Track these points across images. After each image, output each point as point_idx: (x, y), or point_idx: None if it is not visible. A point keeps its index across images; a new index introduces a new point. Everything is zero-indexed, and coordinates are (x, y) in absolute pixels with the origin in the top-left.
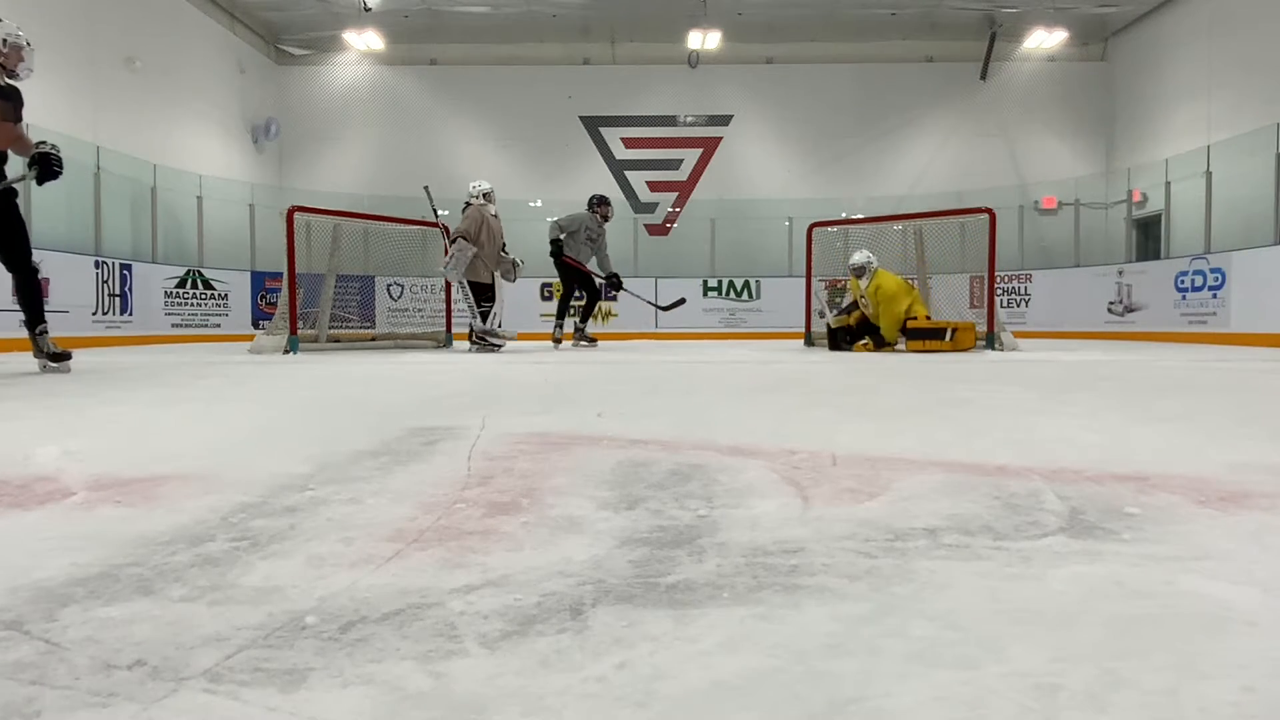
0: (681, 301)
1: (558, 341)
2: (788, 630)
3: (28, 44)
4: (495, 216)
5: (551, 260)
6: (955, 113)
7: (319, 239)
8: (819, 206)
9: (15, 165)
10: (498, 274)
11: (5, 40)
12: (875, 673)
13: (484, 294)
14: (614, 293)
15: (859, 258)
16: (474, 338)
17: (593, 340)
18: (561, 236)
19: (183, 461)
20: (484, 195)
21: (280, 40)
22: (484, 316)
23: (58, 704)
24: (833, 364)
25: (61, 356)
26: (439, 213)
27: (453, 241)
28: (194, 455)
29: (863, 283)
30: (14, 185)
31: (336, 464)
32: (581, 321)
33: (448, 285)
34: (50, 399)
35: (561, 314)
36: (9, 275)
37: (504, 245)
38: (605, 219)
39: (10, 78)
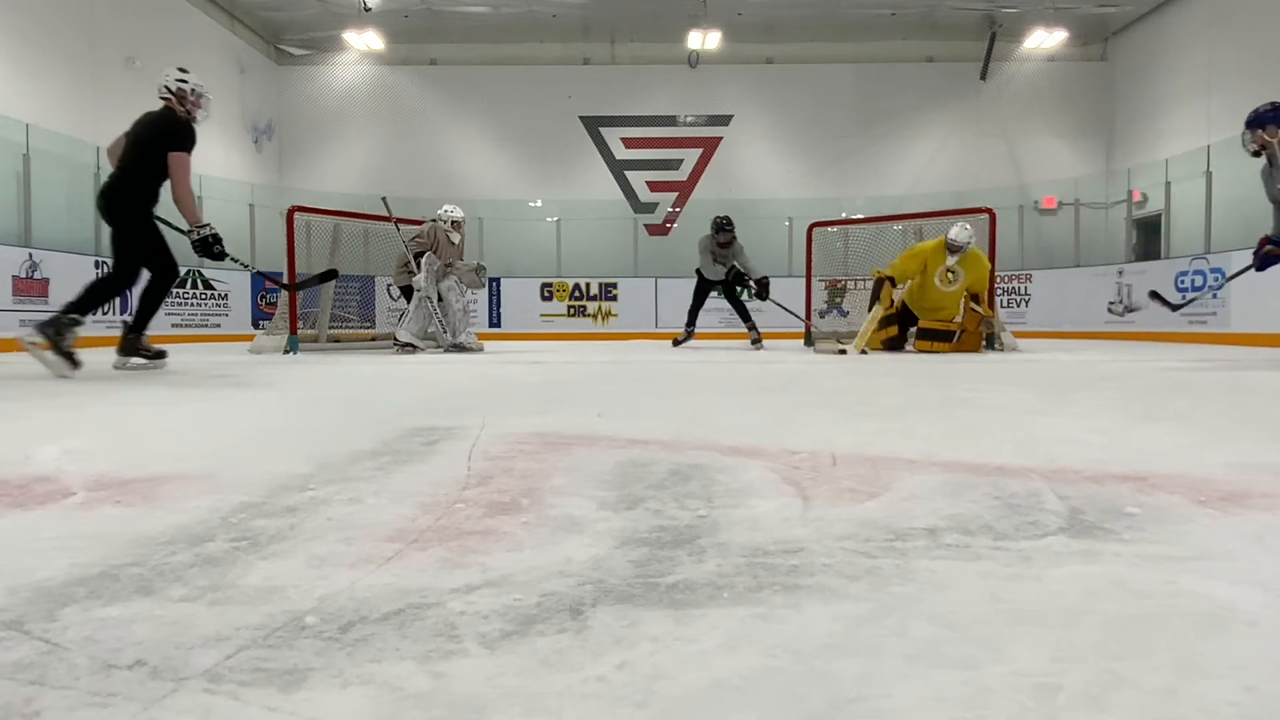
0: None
1: (677, 342)
2: (788, 630)
3: (208, 95)
4: (454, 245)
5: None
6: (955, 113)
7: (319, 239)
8: (819, 206)
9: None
10: (443, 285)
11: (194, 90)
12: (875, 673)
13: (408, 296)
14: (760, 295)
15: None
16: (400, 341)
17: (757, 341)
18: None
19: (183, 461)
20: (452, 223)
21: (280, 40)
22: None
23: (58, 704)
24: (832, 364)
25: (159, 354)
26: (398, 223)
27: (417, 258)
28: (194, 455)
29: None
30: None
31: (336, 464)
32: (746, 324)
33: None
34: (50, 399)
35: (690, 319)
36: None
37: (472, 266)
38: (721, 245)
39: (193, 121)
